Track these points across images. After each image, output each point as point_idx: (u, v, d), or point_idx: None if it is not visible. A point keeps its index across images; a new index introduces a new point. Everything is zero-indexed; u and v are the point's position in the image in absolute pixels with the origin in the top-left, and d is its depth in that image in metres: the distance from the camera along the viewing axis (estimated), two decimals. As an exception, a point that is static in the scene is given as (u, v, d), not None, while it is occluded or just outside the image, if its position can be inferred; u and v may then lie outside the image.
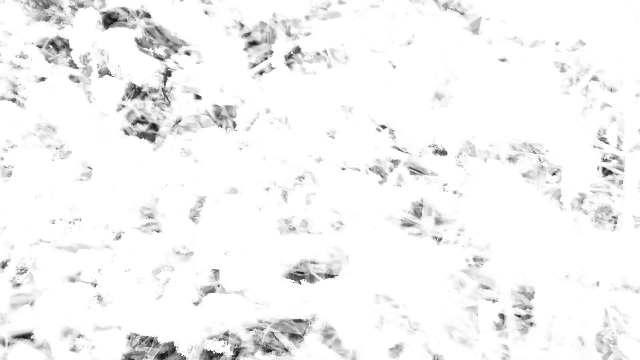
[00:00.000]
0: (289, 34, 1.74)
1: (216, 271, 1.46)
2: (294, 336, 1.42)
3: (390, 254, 1.40)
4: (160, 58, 1.73)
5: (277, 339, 1.42)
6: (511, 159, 1.55)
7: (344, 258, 1.42)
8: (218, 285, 1.45)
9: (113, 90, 1.69)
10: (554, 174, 1.55)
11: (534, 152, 1.54)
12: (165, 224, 1.53)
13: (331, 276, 1.44)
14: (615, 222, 1.48)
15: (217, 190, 1.55)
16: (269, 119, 1.61)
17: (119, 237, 1.53)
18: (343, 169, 1.54)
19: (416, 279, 1.37)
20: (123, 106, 1.70)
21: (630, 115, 1.55)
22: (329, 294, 1.39)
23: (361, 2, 1.74)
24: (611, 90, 1.61)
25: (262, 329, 1.42)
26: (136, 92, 1.74)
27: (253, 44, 1.75)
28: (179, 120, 1.66)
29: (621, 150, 1.54)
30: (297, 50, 1.72)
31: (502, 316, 1.38)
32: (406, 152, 1.55)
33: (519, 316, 1.39)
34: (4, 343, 1.43)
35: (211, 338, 1.44)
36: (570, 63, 1.63)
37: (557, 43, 1.64)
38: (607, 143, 1.55)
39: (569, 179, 1.49)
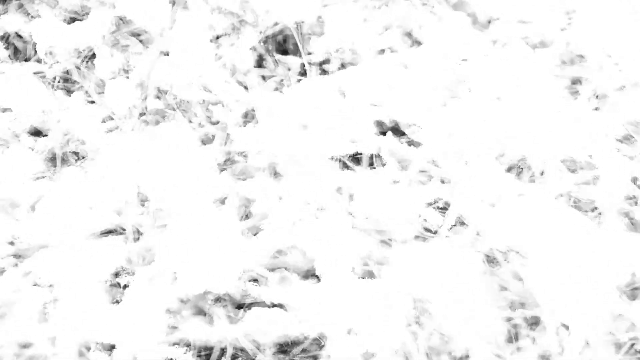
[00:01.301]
0: (256, 24, 1.69)
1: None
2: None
3: (412, 258, 1.40)
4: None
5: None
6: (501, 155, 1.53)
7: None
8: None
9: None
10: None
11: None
12: (129, 225, 1.48)
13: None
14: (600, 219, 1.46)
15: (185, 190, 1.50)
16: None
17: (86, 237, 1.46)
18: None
19: (440, 284, 1.37)
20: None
21: (617, 109, 1.56)
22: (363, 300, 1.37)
23: (372, 2, 1.72)
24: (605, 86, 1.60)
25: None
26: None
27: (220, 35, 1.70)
28: (143, 114, 1.61)
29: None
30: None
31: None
32: (426, 157, 1.53)
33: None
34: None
35: (173, 345, 1.37)
36: (571, 63, 1.63)
37: (568, 44, 1.64)
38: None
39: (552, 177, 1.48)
